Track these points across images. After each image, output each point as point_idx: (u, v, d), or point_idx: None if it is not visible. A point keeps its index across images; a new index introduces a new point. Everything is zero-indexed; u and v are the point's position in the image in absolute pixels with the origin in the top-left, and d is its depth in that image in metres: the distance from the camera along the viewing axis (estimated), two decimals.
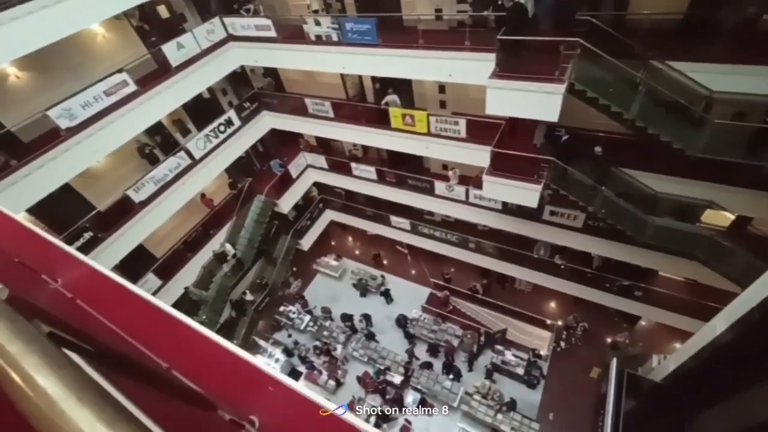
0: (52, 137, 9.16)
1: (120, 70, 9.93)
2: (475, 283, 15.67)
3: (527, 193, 9.49)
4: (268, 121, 14.25)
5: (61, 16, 8.48)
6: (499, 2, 8.31)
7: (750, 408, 6.76)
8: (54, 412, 0.46)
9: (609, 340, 13.56)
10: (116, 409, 0.49)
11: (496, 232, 14.14)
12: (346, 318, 15.44)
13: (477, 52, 8.58)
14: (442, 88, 12.19)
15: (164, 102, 10.97)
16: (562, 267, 13.01)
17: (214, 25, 11.68)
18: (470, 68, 8.79)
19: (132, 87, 10.10)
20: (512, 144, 9.81)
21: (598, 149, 8.87)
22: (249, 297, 14.60)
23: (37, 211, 9.80)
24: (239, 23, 11.76)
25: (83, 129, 9.43)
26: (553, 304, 15.25)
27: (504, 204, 12.08)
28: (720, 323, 7.27)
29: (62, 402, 0.47)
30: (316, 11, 11.48)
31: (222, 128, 12.58)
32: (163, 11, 11.92)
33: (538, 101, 7.57)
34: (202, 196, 13.76)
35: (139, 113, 10.41)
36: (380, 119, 11.87)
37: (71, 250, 3.17)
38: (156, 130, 12.40)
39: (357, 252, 19.09)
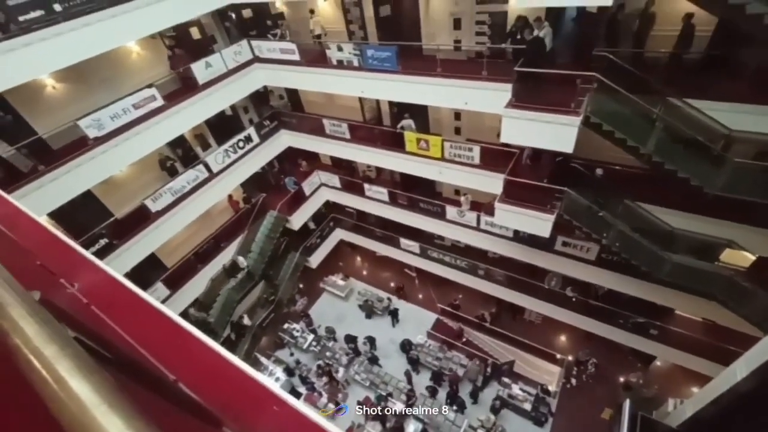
0: (79, 145, 9.56)
1: (150, 86, 10.40)
2: (484, 311, 15.34)
3: (540, 223, 9.40)
4: (285, 140, 14.62)
5: (102, 33, 9.05)
6: (518, 36, 8.56)
7: None
8: (86, 417, 0.47)
9: (622, 379, 12.99)
10: (144, 419, 0.50)
11: (506, 260, 13.94)
12: (350, 339, 15.20)
13: (494, 81, 8.75)
14: (457, 115, 12.39)
15: (188, 117, 11.41)
16: (574, 300, 12.67)
17: (242, 47, 12.25)
18: (487, 97, 8.95)
19: (160, 101, 10.55)
20: (526, 173, 9.82)
21: (599, 171, 8.83)
22: (246, 321, 14.42)
23: (57, 215, 10.11)
24: (265, 46, 12.31)
25: (110, 139, 9.82)
26: (563, 338, 14.77)
27: (516, 232, 11.96)
28: (741, 369, 6.91)
29: (94, 408, 0.48)
30: (318, 36, 11.94)
31: (241, 144, 12.95)
32: (195, 32, 12.56)
33: (554, 132, 7.63)
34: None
35: (163, 127, 10.83)
36: (395, 143, 12.07)
37: (89, 255, 3.25)
38: (178, 143, 12.81)
39: (365, 273, 18.98)
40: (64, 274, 2.58)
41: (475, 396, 13.17)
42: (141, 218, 11.14)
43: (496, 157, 10.39)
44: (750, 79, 7.48)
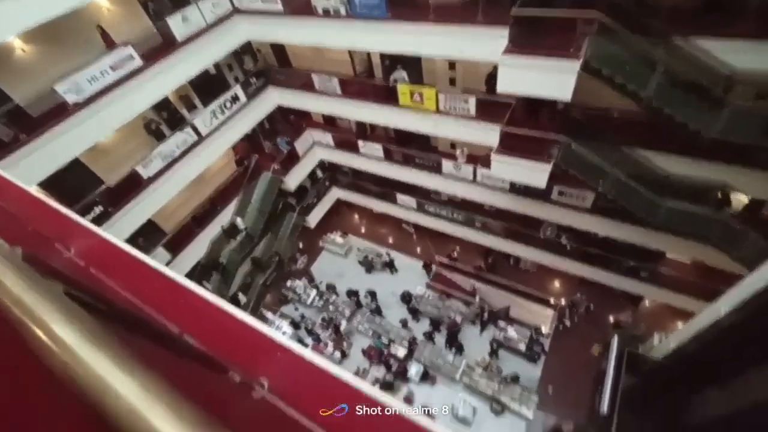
0: (60, 112, 9.19)
1: (126, 44, 9.80)
2: (480, 262, 15.75)
3: (536, 173, 9.37)
4: (274, 98, 14.09)
5: None
6: None
7: (748, 390, 6.85)
8: (74, 361, 0.49)
9: (612, 319, 13.68)
10: (133, 358, 0.52)
11: (502, 212, 14.09)
12: (352, 294, 15.73)
13: (490, 26, 8.28)
14: (452, 65, 11.85)
15: (170, 77, 10.88)
16: (568, 247, 12.99)
17: None
18: (482, 44, 8.52)
19: (138, 61, 10.00)
20: (523, 123, 9.61)
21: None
22: (242, 299, 14.69)
23: (48, 185, 9.97)
24: None
25: (91, 103, 9.43)
26: (557, 284, 15.33)
27: (512, 184, 11.96)
28: (725, 304, 7.27)
29: (80, 350, 0.49)
30: None
31: (228, 104, 12.48)
32: None
33: (551, 79, 7.37)
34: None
35: (145, 88, 10.36)
36: (388, 96, 11.66)
37: (84, 221, 3.25)
38: (163, 106, 12.33)
39: (363, 230, 19.21)
40: (59, 239, 2.59)
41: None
42: (134, 185, 11.02)
43: (492, 108, 10.12)
44: (755, 14, 7.09)
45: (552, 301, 14.35)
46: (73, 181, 10.78)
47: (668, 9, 7.62)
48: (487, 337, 13.96)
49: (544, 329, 13.67)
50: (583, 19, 6.98)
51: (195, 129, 11.82)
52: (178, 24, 10.56)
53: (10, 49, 9.31)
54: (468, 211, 14.61)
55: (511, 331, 13.64)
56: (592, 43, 7.08)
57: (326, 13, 10.41)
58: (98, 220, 10.26)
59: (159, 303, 1.95)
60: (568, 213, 11.56)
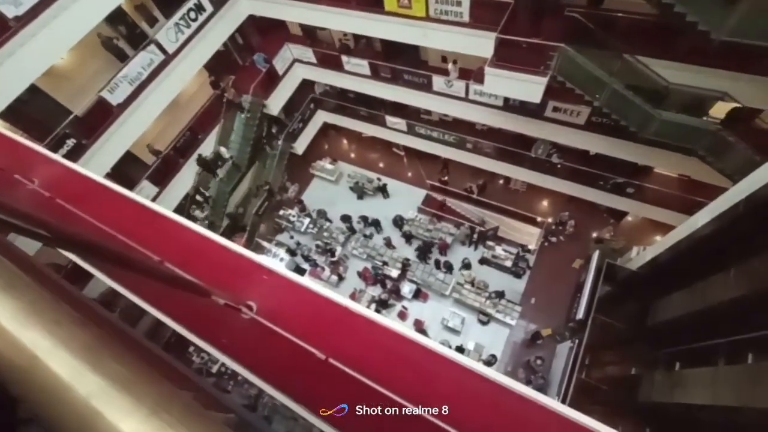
0: (1, 29, 8.09)
1: None
2: (471, 184, 15.83)
3: (532, 87, 8.90)
4: (244, 7, 12.50)
5: None
6: None
7: (704, 293, 7.46)
8: None
9: (594, 235, 14.32)
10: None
11: (494, 132, 13.73)
12: (345, 219, 15.98)
13: None
14: None
15: None
16: (559, 166, 12.98)
17: None
18: None
19: None
20: (521, 29, 8.81)
21: None
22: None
23: (12, 119, 9.27)
24: None
25: (35, 17, 8.27)
26: (545, 203, 15.68)
27: (505, 100, 11.44)
28: (703, 216, 7.54)
29: None
30: None
31: (192, 15, 11.06)
32: None
33: None
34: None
35: None
36: (373, 1, 10.42)
37: (47, 151, 3.01)
38: (119, 18, 10.92)
39: (352, 155, 18.80)
40: (19, 171, 2.41)
41: (467, 267, 14.40)
42: (105, 114, 10.27)
43: (488, 11, 9.16)
44: None
45: (539, 219, 14.81)
46: (38, 113, 10.05)
47: None
48: (476, 257, 14.66)
49: (531, 247, 14.33)
50: None
51: (159, 46, 10.64)
52: None
53: None
54: (460, 132, 14.19)
55: (499, 250, 14.29)
56: None
57: None
58: (73, 155, 9.77)
59: (135, 232, 1.87)
60: (562, 130, 11.30)
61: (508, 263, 14.07)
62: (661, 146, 9.65)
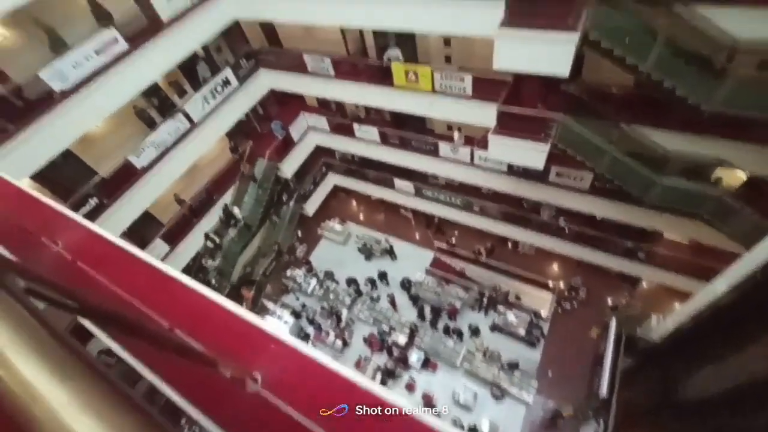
0: (47, 100, 8.94)
1: (108, 26, 9.46)
2: (479, 246, 15.77)
3: (534, 154, 9.25)
4: (266, 81, 13.76)
5: None
6: None
7: (742, 367, 6.94)
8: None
9: (610, 301, 13.81)
10: (65, 353, 0.46)
11: (500, 195, 14.03)
12: (351, 281, 15.77)
13: None
14: (447, 41, 11.55)
15: (158, 61, 10.55)
16: (567, 230, 12.99)
17: None
18: (477, 17, 8.24)
19: (123, 44, 9.66)
20: (520, 101, 9.44)
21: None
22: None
23: (41, 178, 9.81)
24: None
25: (78, 91, 9.16)
26: (555, 267, 15.41)
27: (510, 166, 11.86)
28: (721, 284, 7.30)
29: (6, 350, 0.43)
30: None
31: (219, 88, 12.18)
32: None
33: (550, 53, 7.18)
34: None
35: (134, 74, 10.05)
36: (382, 76, 11.40)
37: (72, 213, 3.16)
38: (153, 91, 12.04)
39: (361, 216, 19.14)
40: (45, 233, 2.51)
41: (476, 333, 13.91)
42: (128, 175, 10.84)
43: (489, 86, 9.92)
44: None
45: (551, 284, 14.45)
46: (66, 173, 10.61)
47: None
48: (486, 323, 14.10)
49: (543, 313, 13.81)
50: None
51: (187, 115, 11.56)
52: (161, 2, 10.17)
53: (42, 5, 8.88)
54: (466, 195, 14.53)
55: (511, 316, 13.76)
56: (591, 14, 6.89)
57: None
58: (94, 213, 10.14)
59: (149, 297, 1.89)
60: (567, 194, 11.51)
61: (521, 331, 13.45)
62: (667, 210, 9.70)
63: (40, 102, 9.00)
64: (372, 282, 15.79)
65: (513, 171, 11.97)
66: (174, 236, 12.50)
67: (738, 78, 6.61)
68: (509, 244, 16.17)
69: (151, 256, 2.24)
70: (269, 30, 14.04)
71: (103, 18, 9.72)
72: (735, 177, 9.06)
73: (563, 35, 6.82)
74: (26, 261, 2.10)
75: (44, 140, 8.90)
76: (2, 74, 9.22)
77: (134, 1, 10.53)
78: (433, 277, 15.71)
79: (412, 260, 16.52)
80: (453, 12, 8.64)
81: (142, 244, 11.57)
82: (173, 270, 2.34)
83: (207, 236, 12.88)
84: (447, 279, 15.50)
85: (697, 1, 6.66)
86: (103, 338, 2.07)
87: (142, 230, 11.97)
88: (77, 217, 2.92)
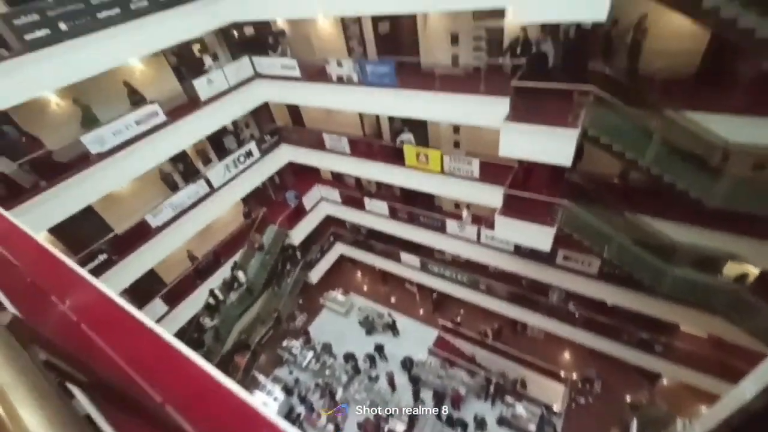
0: (82, 161, 9.61)
1: (152, 102, 10.54)
2: (486, 327, 15.11)
3: (540, 236, 9.35)
4: (286, 154, 14.72)
5: (105, 52, 9.24)
6: (517, 51, 8.71)
7: None
8: None
9: (629, 398, 12.68)
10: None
11: (508, 275, 13.83)
12: (349, 357, 14.94)
13: (492, 96, 8.84)
14: (456, 128, 12.49)
15: (190, 133, 11.52)
16: (577, 315, 12.50)
17: (242, 63, 12.45)
18: (485, 111, 9.03)
19: (162, 117, 10.66)
20: (525, 186, 9.82)
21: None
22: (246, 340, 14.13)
23: (57, 230, 10.09)
24: (266, 62, 12.51)
25: (112, 154, 9.88)
26: (567, 355, 14.50)
27: (516, 246, 11.89)
28: (749, 387, 6.72)
29: None
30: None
31: (242, 159, 13.02)
32: (197, 50, 12.80)
33: (552, 145, 7.66)
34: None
35: (166, 142, 10.91)
36: (395, 157, 12.14)
37: (83, 272, 3.22)
38: (180, 158, 12.89)
39: (365, 288, 18.82)
40: (55, 292, 2.55)
41: (482, 426, 12.73)
42: (141, 233, 11.12)
43: (495, 170, 10.42)
44: (744, 91, 7.56)
45: (563, 374, 13.47)
46: (82, 228, 10.88)
47: (659, 82, 8.12)
48: (494, 414, 12.91)
49: (556, 407, 12.66)
50: (579, 91, 7.44)
51: (208, 181, 12.21)
52: (203, 86, 11.43)
53: (45, 103, 10.02)
54: (472, 272, 14.37)
55: (520, 409, 12.62)
56: (589, 113, 7.47)
57: (340, 80, 11.26)
58: (101, 268, 10.21)
59: (145, 367, 1.85)
60: (575, 278, 11.31)
61: (532, 427, 12.21)
62: (681, 301, 9.37)
63: (75, 163, 9.66)
64: (371, 359, 14.92)
65: (520, 251, 11.97)
66: (174, 297, 12.33)
67: (734, 177, 6.87)
68: (518, 326, 15.48)
69: (148, 316, 2.24)
70: (294, 111, 15.45)
71: (138, 102, 10.73)
72: (750, 271, 8.90)
73: (564, 130, 7.35)
74: (36, 322, 2.11)
75: (71, 197, 9.37)
76: (38, 140, 9.93)
77: (179, 83, 11.89)
78: (437, 357, 14.84)
79: (415, 337, 15.79)
80: (462, 106, 9.49)
81: (142, 302, 11.40)
82: (173, 338, 2.31)
83: (211, 292, 12.70)
84: (451, 361, 14.59)
85: (687, 108, 7.25)
86: (85, 403, 1.97)
87: (143, 287, 11.87)
88: (88, 276, 2.97)
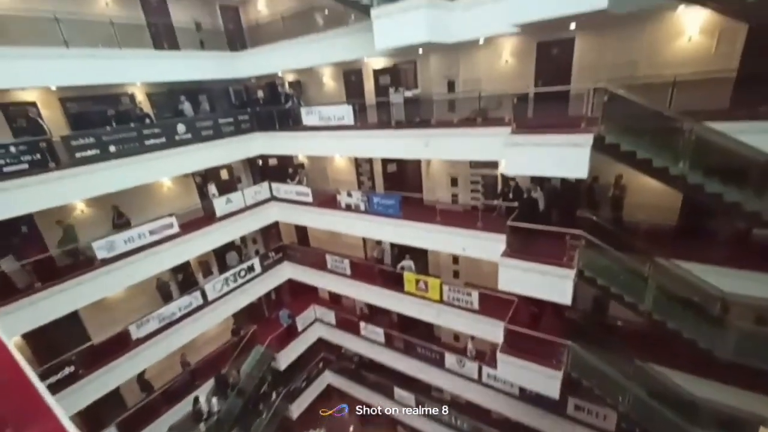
0: (85, 265, 9.67)
1: (171, 215, 11.20)
2: None
3: (547, 380, 8.64)
4: (287, 272, 14.84)
5: (142, 170, 10.32)
6: (510, 196, 9.62)
7: None
8: None
9: None
10: None
11: (513, 424, 12.21)
12: None
13: (488, 232, 9.38)
14: (455, 258, 12.83)
15: (199, 245, 11.92)
16: None
17: (262, 187, 13.71)
18: (483, 245, 9.47)
19: (175, 229, 11.18)
20: (526, 322, 9.54)
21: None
22: None
23: (31, 335, 9.49)
24: (283, 188, 13.78)
25: (116, 261, 10.02)
26: None
27: (521, 389, 10.85)
28: None
29: None
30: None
31: (243, 273, 13.09)
32: (224, 173, 14.29)
33: (549, 282, 7.76)
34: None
35: (172, 252, 11.18)
36: (395, 282, 12.17)
37: (50, 400, 2.95)
38: (181, 267, 12.95)
39: (351, 429, 16.41)
40: (14, 421, 2.29)
41: None
42: (119, 346, 10.38)
43: (496, 303, 10.29)
44: (724, 244, 7.91)
45: None
46: (58, 332, 10.23)
47: (644, 232, 8.57)
48: None
49: None
50: (570, 234, 7.85)
51: (203, 293, 12.02)
52: (221, 204, 12.34)
53: (72, 208, 10.65)
54: (473, 417, 12.76)
55: None
56: (582, 255, 7.74)
57: (348, 208, 12.17)
58: (64, 382, 9.26)
59: None
60: None
61: None
62: None
63: (76, 266, 9.69)
64: None
65: (525, 396, 10.86)
66: (134, 424, 10.74)
67: (738, 329, 6.70)
68: None
69: None
70: (301, 230, 16.24)
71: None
72: None
73: (561, 270, 7.56)
74: None
75: (62, 301, 9.14)
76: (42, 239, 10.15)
77: (200, 201, 12.87)
78: None
79: None
80: (461, 240, 10.01)
81: (97, 426, 9.91)
82: None
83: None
84: None
85: (672, 256, 7.52)
86: None
87: (101, 408, 10.42)
88: (54, 404, 2.72)
